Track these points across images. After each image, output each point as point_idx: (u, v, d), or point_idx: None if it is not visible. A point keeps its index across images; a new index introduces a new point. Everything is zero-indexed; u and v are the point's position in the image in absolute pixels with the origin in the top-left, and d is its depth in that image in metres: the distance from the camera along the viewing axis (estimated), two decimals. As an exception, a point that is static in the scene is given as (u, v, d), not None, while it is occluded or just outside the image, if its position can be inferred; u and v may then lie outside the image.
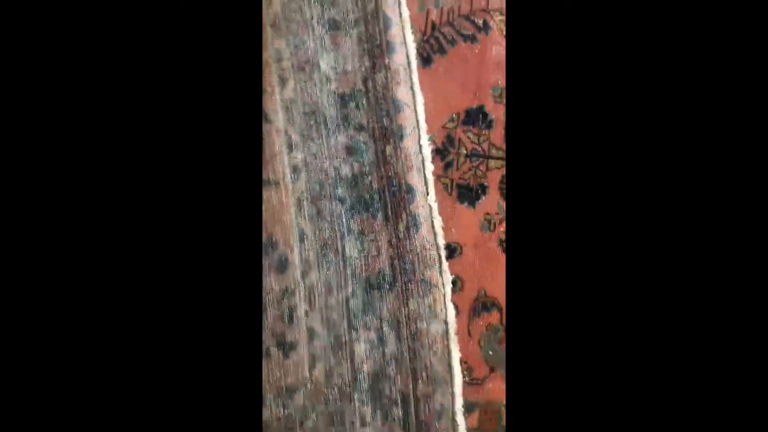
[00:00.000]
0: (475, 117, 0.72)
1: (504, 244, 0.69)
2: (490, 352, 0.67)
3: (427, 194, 0.68)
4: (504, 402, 0.65)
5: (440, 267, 0.66)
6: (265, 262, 0.62)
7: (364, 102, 0.69)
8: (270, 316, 0.62)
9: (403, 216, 0.67)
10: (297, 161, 0.66)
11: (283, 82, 0.66)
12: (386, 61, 0.71)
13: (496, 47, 0.75)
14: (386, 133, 0.69)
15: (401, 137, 0.69)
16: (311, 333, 0.63)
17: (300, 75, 0.68)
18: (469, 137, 0.72)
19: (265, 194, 0.64)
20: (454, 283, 0.67)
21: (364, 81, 0.70)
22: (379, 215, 0.66)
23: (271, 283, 0.63)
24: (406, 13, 0.74)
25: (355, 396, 0.63)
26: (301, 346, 0.63)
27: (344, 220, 0.66)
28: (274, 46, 0.67)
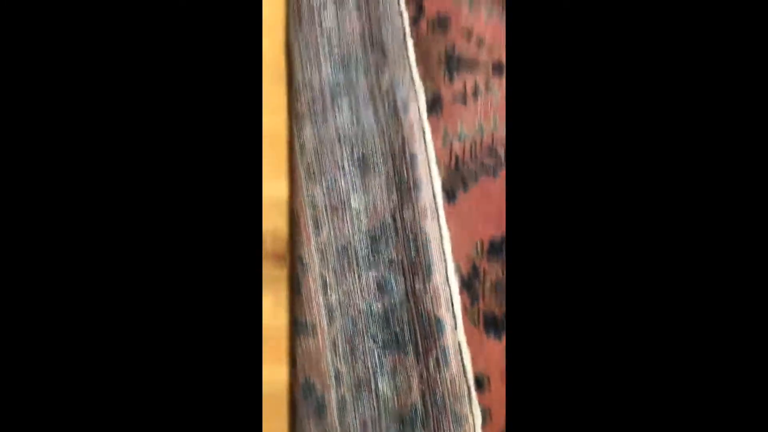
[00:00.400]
0: (498, 248, 0.76)
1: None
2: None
3: (456, 327, 0.71)
4: None
5: (470, 400, 0.69)
6: (304, 408, 0.65)
7: (393, 238, 0.73)
8: (309, 462, 0.64)
9: (433, 350, 0.69)
10: (332, 302, 0.70)
11: (318, 227, 0.70)
12: (413, 197, 0.75)
13: (517, 180, 0.78)
14: (415, 269, 0.72)
15: (429, 272, 0.72)
16: (348, 473, 0.66)
17: (333, 217, 0.72)
18: (493, 267, 0.75)
19: (302, 340, 0.67)
20: (483, 416, 0.69)
21: (393, 217, 0.74)
22: (410, 350, 0.69)
23: (310, 428, 0.65)
24: (431, 148, 0.78)
25: None
26: (338, 486, 0.65)
27: (377, 358, 0.69)
28: (309, 191, 0.71)
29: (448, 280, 0.72)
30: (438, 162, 0.78)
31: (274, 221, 0.75)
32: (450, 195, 0.78)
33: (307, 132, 0.74)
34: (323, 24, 0.79)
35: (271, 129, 0.79)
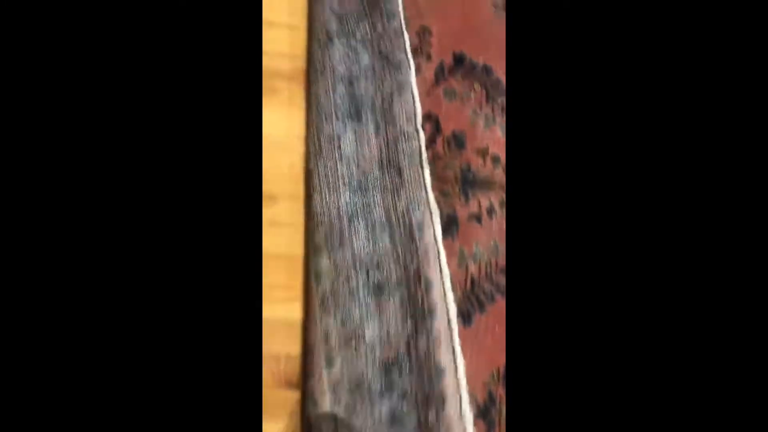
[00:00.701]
0: (515, 376, 0.75)
1: None
2: None
3: (470, 462, 0.70)
4: None
5: None
6: None
7: (406, 368, 0.72)
8: None
9: (446, 487, 0.68)
10: (343, 438, 0.69)
11: (330, 362, 0.71)
12: (428, 324, 0.75)
13: (534, 304, 0.78)
14: (428, 400, 0.71)
15: (443, 403, 0.71)
16: None
17: (347, 349, 0.72)
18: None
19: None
20: None
21: (407, 345, 0.73)
22: (423, 487, 0.68)
23: None
24: (447, 272, 0.78)
25: None
26: None
27: (389, 496, 0.68)
28: (323, 325, 0.72)
29: (462, 412, 0.71)
30: (453, 285, 0.78)
31: (287, 346, 0.76)
32: (466, 318, 0.77)
33: (324, 262, 0.75)
34: (342, 150, 0.81)
35: (289, 251, 0.80)
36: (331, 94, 0.83)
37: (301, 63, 0.90)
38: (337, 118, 0.82)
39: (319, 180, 0.78)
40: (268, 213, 0.82)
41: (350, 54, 0.85)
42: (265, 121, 0.87)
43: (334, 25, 0.87)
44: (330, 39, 0.85)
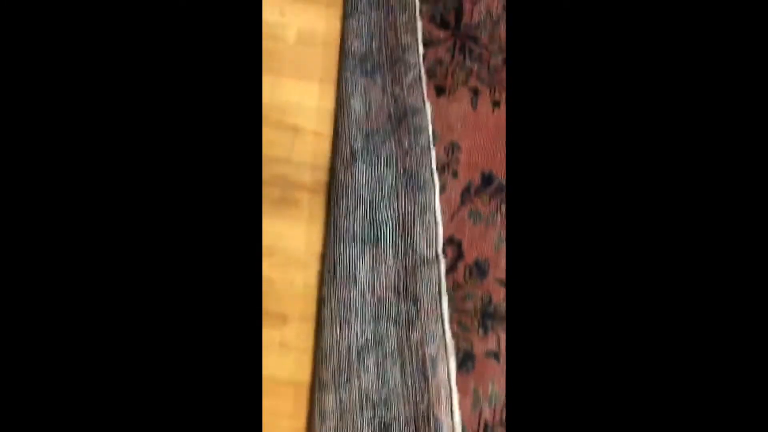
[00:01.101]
0: None
1: None
2: None
3: None
4: None
5: None
6: None
7: None
8: None
9: None
10: None
11: None
12: (434, 473, 0.70)
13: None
14: None
15: None
16: None
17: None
18: None
19: None
20: None
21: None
22: None
23: None
24: (458, 414, 0.74)
25: None
26: None
27: None
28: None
29: None
30: (464, 430, 0.74)
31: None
32: (477, 470, 0.73)
33: (329, 400, 0.72)
34: (358, 277, 0.78)
35: (297, 376, 0.77)
36: (351, 219, 0.80)
37: (323, 175, 0.88)
38: (355, 242, 0.79)
39: (331, 311, 0.76)
40: (277, 334, 0.80)
41: (373, 175, 0.83)
42: (284, 235, 0.85)
43: (359, 143, 0.85)
44: (354, 158, 0.83)
